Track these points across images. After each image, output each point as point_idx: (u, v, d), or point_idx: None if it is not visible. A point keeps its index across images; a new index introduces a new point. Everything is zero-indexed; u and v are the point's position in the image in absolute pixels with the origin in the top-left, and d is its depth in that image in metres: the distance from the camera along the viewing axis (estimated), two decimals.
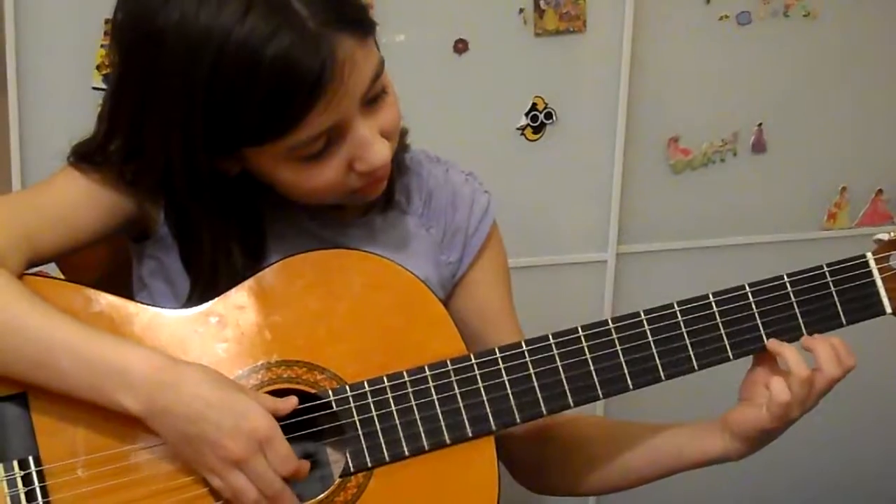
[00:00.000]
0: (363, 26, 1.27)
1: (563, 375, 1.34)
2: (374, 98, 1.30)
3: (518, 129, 2.35)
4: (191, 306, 1.35)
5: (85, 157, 1.36)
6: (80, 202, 1.36)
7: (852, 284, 1.39)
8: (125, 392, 1.22)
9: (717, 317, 1.36)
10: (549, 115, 2.36)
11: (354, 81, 1.25)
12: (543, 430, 1.49)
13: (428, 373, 1.32)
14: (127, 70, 1.30)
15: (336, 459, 1.34)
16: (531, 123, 2.35)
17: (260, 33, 1.20)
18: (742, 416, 1.38)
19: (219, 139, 1.27)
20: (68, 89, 2.07)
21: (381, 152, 1.31)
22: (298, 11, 1.21)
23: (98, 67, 2.05)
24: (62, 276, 1.47)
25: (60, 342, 1.23)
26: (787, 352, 1.36)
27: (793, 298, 1.38)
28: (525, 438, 1.49)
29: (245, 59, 1.20)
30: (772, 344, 1.37)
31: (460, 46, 2.27)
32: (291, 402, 1.28)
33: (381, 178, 1.36)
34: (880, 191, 2.63)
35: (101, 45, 2.05)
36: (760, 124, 2.52)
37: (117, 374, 1.22)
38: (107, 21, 2.04)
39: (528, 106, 2.35)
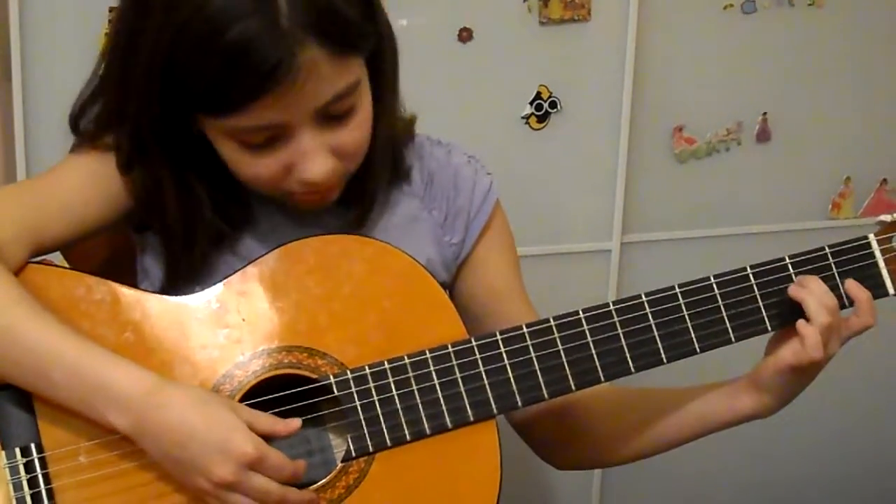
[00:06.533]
0: (341, 42, 1.26)
1: (564, 359, 1.34)
2: (333, 115, 1.29)
3: (522, 117, 2.35)
4: (172, 280, 1.37)
5: (75, 124, 1.40)
6: (83, 192, 1.36)
7: (854, 266, 1.38)
8: (113, 410, 1.22)
9: (719, 299, 1.36)
10: (553, 104, 2.35)
11: (311, 91, 1.25)
12: (562, 405, 1.48)
13: (429, 356, 1.32)
14: (116, 32, 1.33)
15: (338, 444, 1.34)
16: (535, 112, 2.35)
17: (233, 11, 1.20)
18: (769, 362, 1.36)
19: (173, 100, 1.27)
20: (72, 78, 2.05)
21: (318, 167, 1.30)
22: (279, 5, 1.21)
23: (102, 55, 2.05)
24: (66, 265, 1.47)
25: (54, 355, 1.23)
26: (813, 284, 1.35)
27: (795, 280, 1.37)
28: (543, 415, 1.49)
29: (209, 30, 1.21)
30: (794, 290, 1.36)
31: (464, 35, 2.26)
32: (293, 425, 1.27)
33: (323, 192, 1.35)
34: (885, 180, 2.62)
35: (106, 33, 2.04)
36: (765, 114, 2.51)
37: (106, 392, 1.23)
38: (111, 9, 2.04)
39: (533, 94, 2.34)
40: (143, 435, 1.23)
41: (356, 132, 1.32)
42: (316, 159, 1.30)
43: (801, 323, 1.34)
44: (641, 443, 1.47)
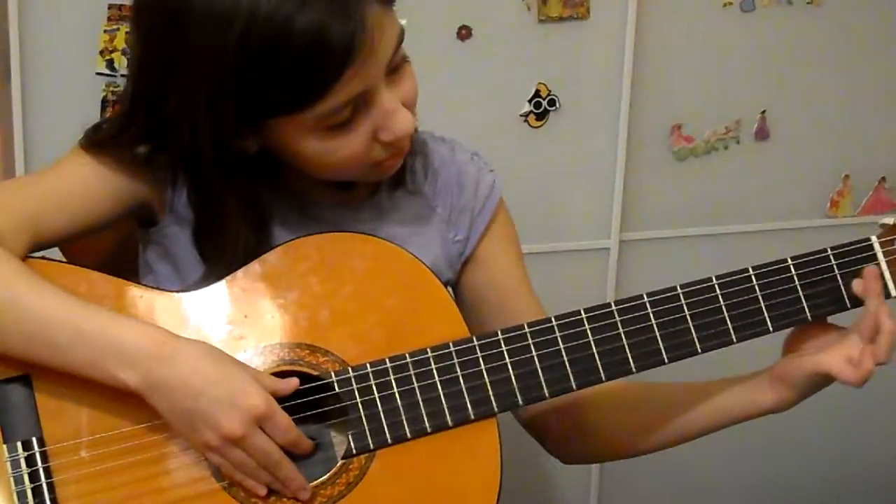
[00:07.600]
0: None
1: (565, 358, 1.34)
2: (396, 67, 1.31)
3: (521, 115, 2.35)
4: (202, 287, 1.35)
5: (100, 142, 1.36)
6: (86, 187, 1.36)
7: (857, 268, 1.38)
8: (123, 367, 1.22)
9: (721, 300, 1.36)
10: (552, 102, 2.36)
11: (382, 48, 1.26)
12: (572, 401, 1.48)
13: (430, 354, 1.32)
14: (151, 48, 1.29)
15: (339, 441, 1.34)
16: (534, 110, 2.35)
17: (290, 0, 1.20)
18: (807, 364, 1.36)
19: (248, 109, 1.26)
20: (72, 75, 2.07)
21: (405, 120, 1.32)
22: None
23: (101, 53, 2.05)
24: (64, 261, 1.47)
25: (59, 319, 1.23)
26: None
27: (797, 282, 1.37)
28: (553, 410, 1.50)
29: (276, 27, 1.20)
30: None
31: (463, 33, 2.27)
32: (292, 383, 1.28)
33: (403, 149, 1.37)
34: (883, 179, 2.63)
35: (105, 31, 2.05)
36: (764, 112, 2.52)
37: (115, 349, 1.22)
38: (110, 7, 2.05)
39: (532, 93, 2.34)
40: (153, 390, 1.23)
41: (413, 79, 1.35)
42: (399, 113, 1.31)
43: (870, 355, 1.33)
44: (660, 436, 1.47)
